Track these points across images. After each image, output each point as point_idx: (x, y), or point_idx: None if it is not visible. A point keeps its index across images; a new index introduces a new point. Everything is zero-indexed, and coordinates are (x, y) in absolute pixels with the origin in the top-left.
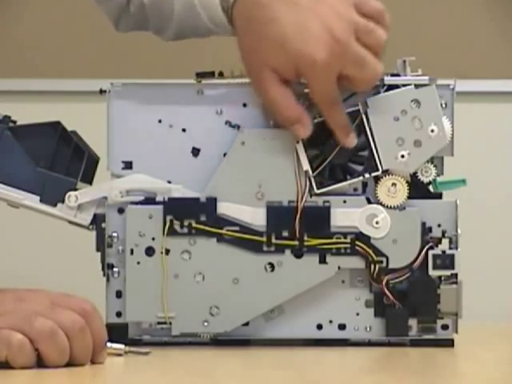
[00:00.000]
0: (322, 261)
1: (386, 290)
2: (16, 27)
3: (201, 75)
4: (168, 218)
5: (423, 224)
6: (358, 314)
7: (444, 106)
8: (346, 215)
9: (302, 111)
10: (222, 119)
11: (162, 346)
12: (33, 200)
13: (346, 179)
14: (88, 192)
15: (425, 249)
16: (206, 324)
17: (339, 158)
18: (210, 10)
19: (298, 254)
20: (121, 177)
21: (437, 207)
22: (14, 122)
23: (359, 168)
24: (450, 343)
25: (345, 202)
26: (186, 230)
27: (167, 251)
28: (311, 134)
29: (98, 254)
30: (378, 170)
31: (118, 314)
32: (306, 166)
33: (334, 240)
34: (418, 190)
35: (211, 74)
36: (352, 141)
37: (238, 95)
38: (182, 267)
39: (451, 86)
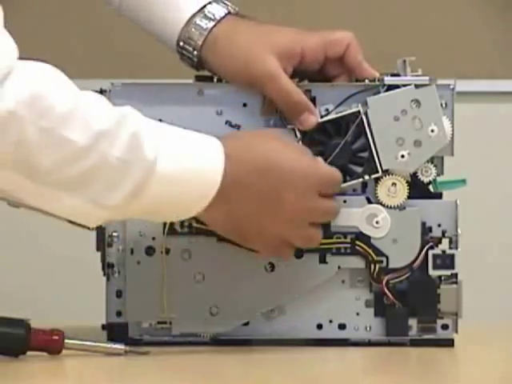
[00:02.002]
0: (322, 261)
1: (386, 290)
2: (16, 27)
3: (200, 79)
4: None
5: (423, 224)
6: (358, 314)
7: (444, 105)
8: (346, 215)
9: (307, 99)
10: (221, 119)
11: (162, 346)
12: None
13: (345, 180)
14: None
15: (425, 249)
16: (206, 324)
17: (339, 158)
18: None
19: (297, 254)
20: None
21: (437, 207)
22: None
23: (359, 169)
24: (450, 343)
25: (345, 201)
26: (186, 230)
27: (167, 251)
28: (311, 134)
29: (98, 253)
30: (377, 171)
31: (118, 314)
32: None
33: (334, 240)
34: (418, 189)
35: (210, 79)
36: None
37: (238, 95)
38: (182, 267)
39: (451, 86)
